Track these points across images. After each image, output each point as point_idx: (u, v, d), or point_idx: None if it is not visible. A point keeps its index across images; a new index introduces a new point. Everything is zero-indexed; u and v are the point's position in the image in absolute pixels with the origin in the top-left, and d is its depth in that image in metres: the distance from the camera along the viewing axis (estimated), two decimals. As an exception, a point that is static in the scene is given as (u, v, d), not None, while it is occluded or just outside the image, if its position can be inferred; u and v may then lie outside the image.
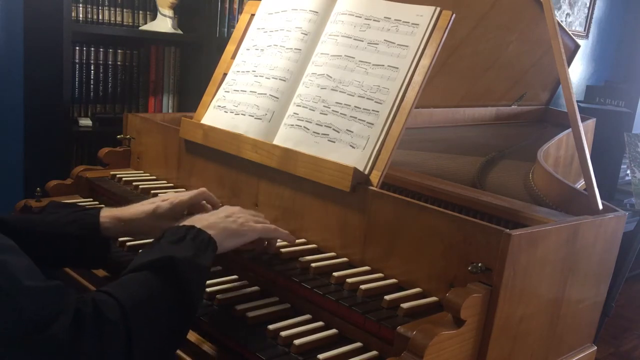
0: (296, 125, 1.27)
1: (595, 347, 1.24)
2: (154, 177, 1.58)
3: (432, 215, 1.01)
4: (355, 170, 1.12)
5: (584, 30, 4.84)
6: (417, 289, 1.02)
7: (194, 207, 1.18)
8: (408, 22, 1.21)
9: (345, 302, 0.97)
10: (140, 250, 1.00)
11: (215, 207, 1.23)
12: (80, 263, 1.18)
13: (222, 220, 1.04)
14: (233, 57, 1.48)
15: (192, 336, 0.98)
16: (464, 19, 1.92)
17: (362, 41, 1.25)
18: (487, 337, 0.92)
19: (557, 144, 1.90)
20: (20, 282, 0.74)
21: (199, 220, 1.02)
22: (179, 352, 0.99)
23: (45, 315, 0.73)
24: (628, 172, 3.54)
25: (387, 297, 0.97)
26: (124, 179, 1.53)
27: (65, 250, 1.10)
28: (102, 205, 1.45)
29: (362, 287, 1.00)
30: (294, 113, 1.28)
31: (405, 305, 0.95)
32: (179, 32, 2.66)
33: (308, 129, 1.24)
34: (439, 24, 1.17)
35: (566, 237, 1.02)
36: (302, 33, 1.35)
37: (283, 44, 1.37)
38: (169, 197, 1.17)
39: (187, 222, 1.01)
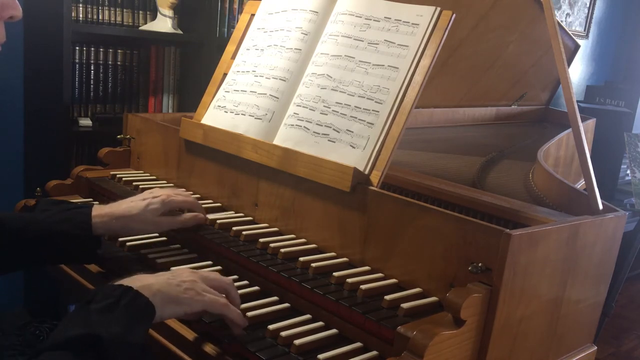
0: (296, 125, 1.27)
1: (595, 347, 1.24)
2: (154, 177, 1.58)
3: (432, 215, 1.01)
4: (355, 170, 1.12)
5: (584, 30, 4.83)
6: (417, 289, 1.02)
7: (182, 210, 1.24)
8: (408, 22, 1.21)
9: (345, 302, 0.97)
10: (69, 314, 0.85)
11: (203, 219, 1.25)
12: (72, 260, 1.21)
13: (164, 283, 0.90)
14: (233, 57, 1.48)
15: (191, 336, 0.98)
16: (464, 19, 1.92)
17: (362, 41, 1.25)
18: (487, 337, 0.92)
19: (557, 144, 1.90)
20: None
21: (138, 280, 0.89)
22: (179, 352, 0.99)
23: None
24: (628, 172, 3.54)
25: (387, 297, 0.97)
26: (124, 179, 1.53)
27: (58, 248, 1.12)
28: (93, 201, 1.48)
29: (362, 287, 1.00)
30: (294, 113, 1.28)
31: (405, 305, 0.95)
32: (179, 32, 2.66)
33: (308, 129, 1.24)
34: (439, 24, 1.17)
35: (566, 237, 1.02)
36: (302, 33, 1.35)
37: (283, 44, 1.37)
38: (160, 194, 1.20)
39: (126, 280, 0.89)
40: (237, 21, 1.59)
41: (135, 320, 0.83)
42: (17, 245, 1.09)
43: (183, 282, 0.92)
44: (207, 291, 0.93)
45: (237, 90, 1.41)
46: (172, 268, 1.07)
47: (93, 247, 1.15)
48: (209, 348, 0.95)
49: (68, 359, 0.76)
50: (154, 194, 1.21)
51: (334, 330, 0.97)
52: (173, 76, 2.75)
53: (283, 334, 0.92)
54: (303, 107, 1.27)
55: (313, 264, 1.08)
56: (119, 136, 1.69)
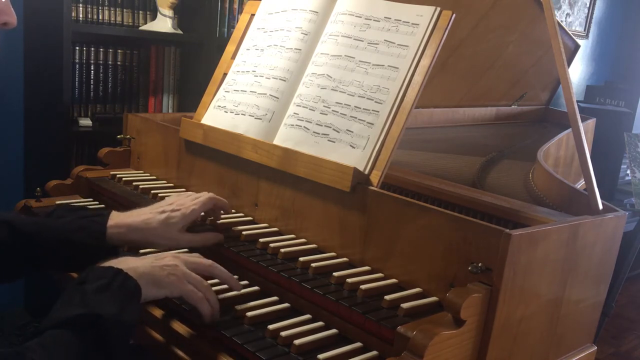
0: (296, 125, 1.27)
1: (595, 347, 1.24)
2: (154, 177, 1.58)
3: (432, 215, 1.01)
4: (355, 170, 1.12)
5: (584, 30, 4.84)
6: (417, 289, 1.02)
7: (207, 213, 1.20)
8: (408, 22, 1.21)
9: (345, 302, 0.97)
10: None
11: (225, 209, 1.24)
12: (83, 269, 1.17)
13: (148, 266, 0.94)
14: (233, 57, 1.48)
15: (189, 334, 0.98)
16: (464, 19, 1.92)
17: (362, 41, 1.25)
18: (487, 337, 0.92)
19: (557, 144, 1.90)
20: None
21: (124, 262, 0.93)
22: (179, 351, 0.99)
23: None
24: (628, 172, 3.54)
25: (387, 297, 0.97)
26: (124, 179, 1.53)
27: (71, 257, 1.09)
28: (94, 201, 1.48)
29: (362, 287, 1.00)
30: (294, 113, 1.28)
31: (405, 305, 0.95)
32: (179, 32, 2.66)
33: (308, 129, 1.24)
34: (439, 24, 1.17)
35: (566, 237, 1.02)
36: (302, 33, 1.35)
37: (283, 44, 1.37)
38: (180, 207, 1.15)
39: (114, 262, 0.92)
40: (237, 21, 1.59)
41: (127, 301, 0.86)
42: (28, 251, 1.07)
43: (166, 266, 0.95)
44: (188, 276, 0.96)
45: (237, 90, 1.41)
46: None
47: (107, 257, 1.08)
48: (208, 347, 0.95)
49: (69, 338, 0.79)
50: (173, 207, 1.15)
51: (334, 330, 0.97)
52: (173, 76, 2.75)
53: (283, 334, 0.92)
54: (303, 107, 1.27)
55: (313, 264, 1.08)
56: (119, 136, 1.69)
